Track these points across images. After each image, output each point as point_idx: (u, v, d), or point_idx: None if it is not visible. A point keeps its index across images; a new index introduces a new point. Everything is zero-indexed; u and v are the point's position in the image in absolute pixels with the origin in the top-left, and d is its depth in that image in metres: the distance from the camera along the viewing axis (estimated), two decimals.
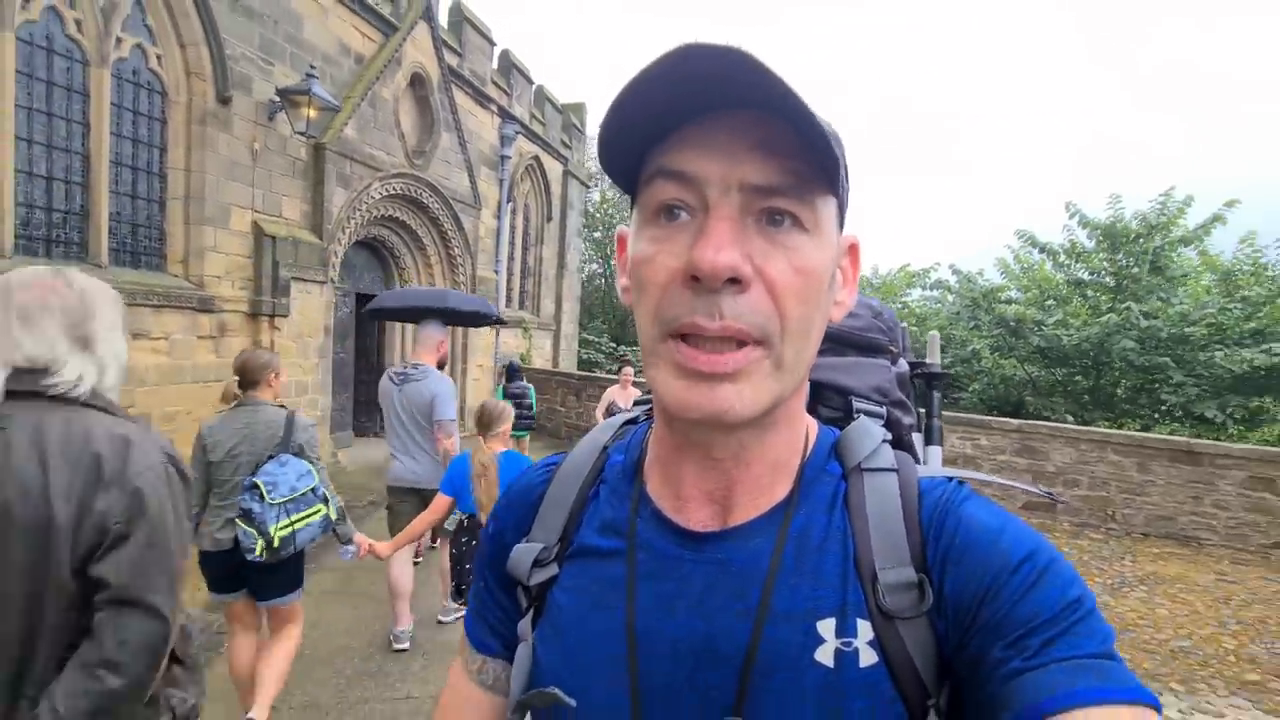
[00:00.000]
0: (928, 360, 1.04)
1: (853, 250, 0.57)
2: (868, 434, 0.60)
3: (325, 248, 7.40)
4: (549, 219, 13.88)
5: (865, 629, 0.51)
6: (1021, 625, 0.46)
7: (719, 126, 0.47)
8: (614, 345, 18.38)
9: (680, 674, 0.53)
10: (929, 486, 0.56)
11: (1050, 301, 11.66)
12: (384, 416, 3.97)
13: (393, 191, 8.64)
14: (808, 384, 0.58)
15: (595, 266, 20.75)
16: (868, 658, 0.50)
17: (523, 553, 0.63)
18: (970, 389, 12.76)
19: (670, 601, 0.55)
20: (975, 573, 0.50)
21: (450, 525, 3.35)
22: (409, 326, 8.84)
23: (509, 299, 12.23)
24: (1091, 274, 11.00)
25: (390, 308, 4.80)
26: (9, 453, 1.09)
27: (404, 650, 3.66)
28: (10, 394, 1.13)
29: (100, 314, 1.24)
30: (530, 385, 7.64)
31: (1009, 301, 11.68)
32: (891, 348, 0.82)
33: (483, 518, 3.08)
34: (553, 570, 0.61)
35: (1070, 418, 9.61)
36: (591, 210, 19.95)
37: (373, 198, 8.26)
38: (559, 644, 0.59)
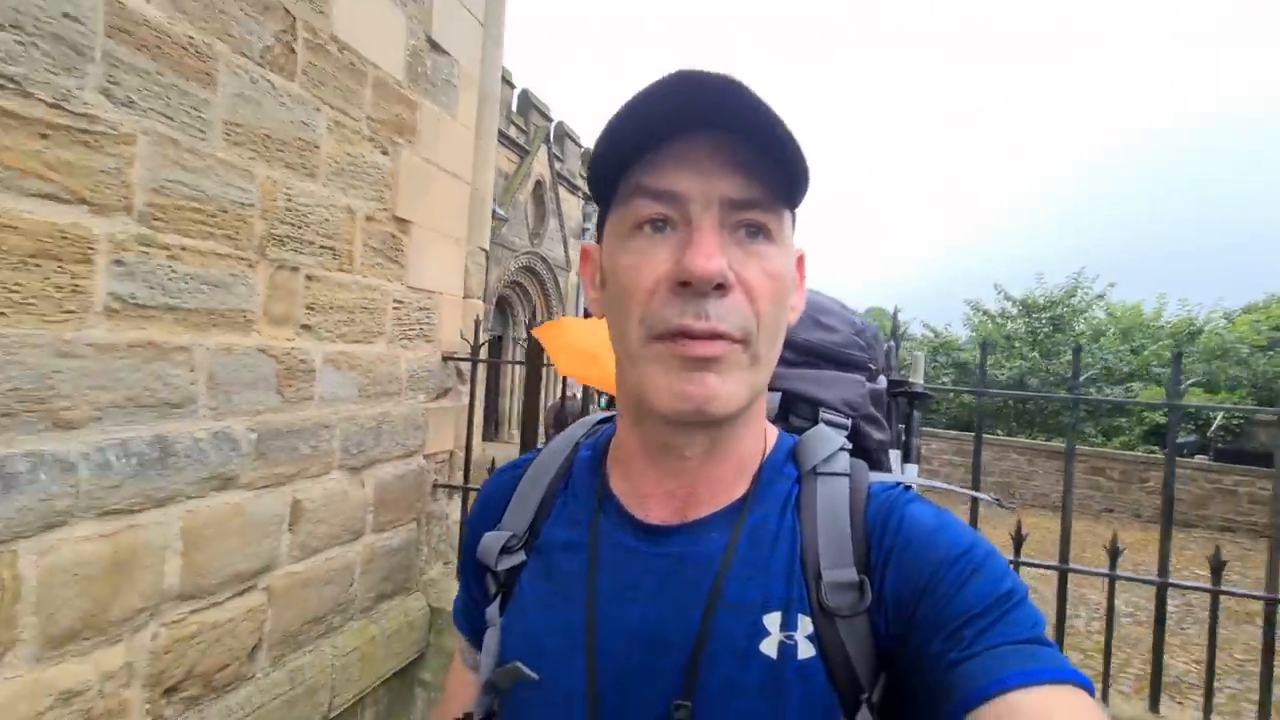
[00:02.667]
0: (911, 380, 1.05)
1: (800, 260, 0.60)
2: (824, 440, 0.61)
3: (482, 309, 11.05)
4: None
5: (805, 624, 0.52)
6: (958, 618, 0.48)
7: (697, 147, 0.50)
8: None
9: (634, 660, 0.54)
10: (878, 490, 0.58)
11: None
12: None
13: (520, 264, 12.24)
14: (767, 388, 0.60)
15: None
16: (805, 651, 0.52)
17: (491, 540, 0.64)
18: (941, 410, 16.48)
19: (629, 592, 0.56)
20: (914, 568, 0.51)
21: None
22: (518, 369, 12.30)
23: None
24: (1012, 333, 14.89)
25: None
26: None
27: None
28: None
29: None
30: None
31: (960, 349, 15.54)
32: (870, 364, 0.83)
33: None
34: (520, 558, 0.63)
35: (1000, 432, 13.23)
36: None
37: (509, 269, 11.83)
38: (523, 629, 0.60)
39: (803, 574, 0.54)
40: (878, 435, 0.79)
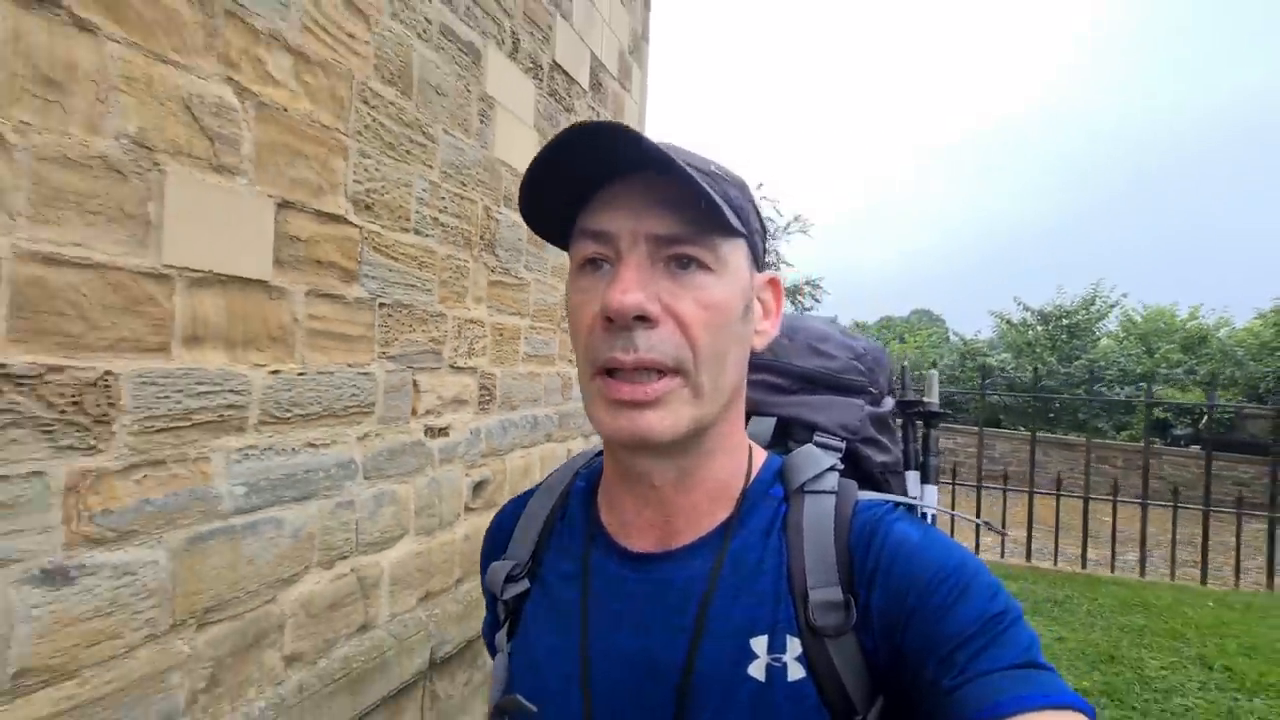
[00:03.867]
0: (925, 399, 1.03)
1: (773, 285, 0.61)
2: (811, 459, 0.61)
3: None
4: None
5: (794, 645, 0.52)
6: (949, 641, 0.47)
7: (626, 188, 0.52)
8: None
9: (627, 688, 0.55)
10: (864, 508, 0.57)
11: (1011, 354, 17.12)
12: None
13: None
14: (742, 412, 0.61)
15: None
16: (795, 672, 0.52)
17: (497, 569, 0.66)
18: (970, 409, 18.06)
19: (618, 620, 0.57)
20: (900, 588, 0.51)
21: None
22: None
23: None
24: (1033, 339, 16.44)
25: None
26: None
27: None
28: None
29: None
30: None
31: (985, 354, 17.11)
32: (871, 388, 0.83)
33: None
34: (524, 585, 0.64)
35: (1022, 428, 14.75)
36: None
37: None
38: (528, 657, 0.62)
39: (790, 594, 0.54)
40: (880, 458, 0.80)
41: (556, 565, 0.64)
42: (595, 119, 0.51)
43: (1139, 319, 17.37)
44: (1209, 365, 14.01)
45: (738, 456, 0.60)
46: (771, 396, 0.78)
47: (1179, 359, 14.70)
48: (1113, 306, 16.24)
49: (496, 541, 0.70)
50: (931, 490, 0.99)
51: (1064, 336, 15.89)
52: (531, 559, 0.66)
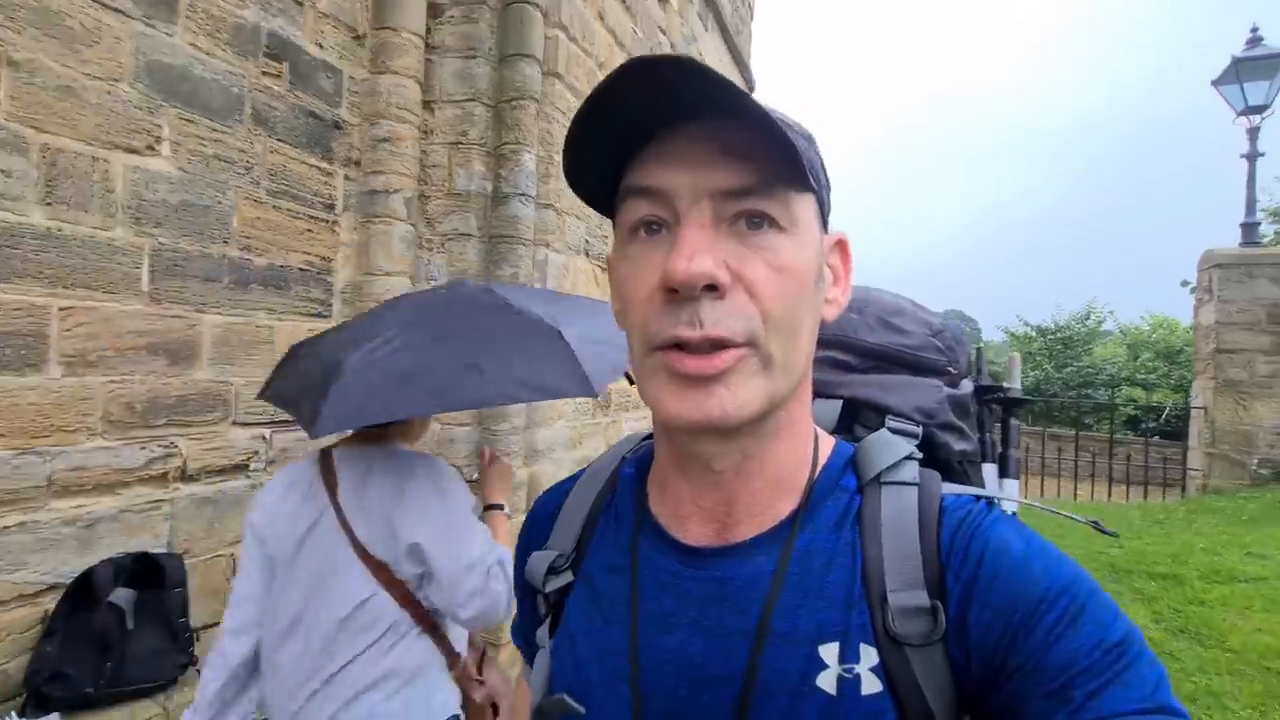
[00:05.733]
0: (1005, 385, 0.95)
1: (841, 247, 0.56)
2: (888, 446, 0.56)
3: None
4: None
5: (870, 654, 0.47)
6: (1061, 672, 0.42)
7: (681, 138, 0.47)
8: None
9: (681, 694, 0.51)
10: (953, 504, 0.52)
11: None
12: None
13: None
14: (809, 392, 0.56)
15: None
16: (870, 685, 0.47)
17: (538, 560, 0.63)
18: None
19: (670, 620, 0.53)
20: (1005, 606, 0.46)
21: None
22: None
23: None
24: (1035, 350, 19.63)
25: None
26: None
27: None
28: None
29: None
30: None
31: (994, 362, 20.51)
32: (950, 368, 0.77)
33: None
34: (568, 578, 0.61)
35: (1024, 424, 17.97)
36: None
37: None
38: (572, 654, 0.58)
39: (865, 598, 0.49)
40: (959, 445, 0.74)
41: (602, 557, 0.60)
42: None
43: (1145, 327, 20.47)
44: (1182, 371, 17.13)
45: (804, 442, 0.56)
46: (837, 376, 0.73)
47: (1154, 365, 17.82)
48: (1101, 322, 19.34)
49: (537, 531, 0.67)
50: (1012, 485, 0.92)
51: (1059, 347, 19.01)
52: (575, 550, 0.62)
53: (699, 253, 0.45)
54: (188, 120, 2.51)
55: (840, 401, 0.71)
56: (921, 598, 0.48)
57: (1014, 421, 0.96)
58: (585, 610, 0.59)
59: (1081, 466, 9.19)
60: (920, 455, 0.57)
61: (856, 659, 0.48)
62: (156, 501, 2.49)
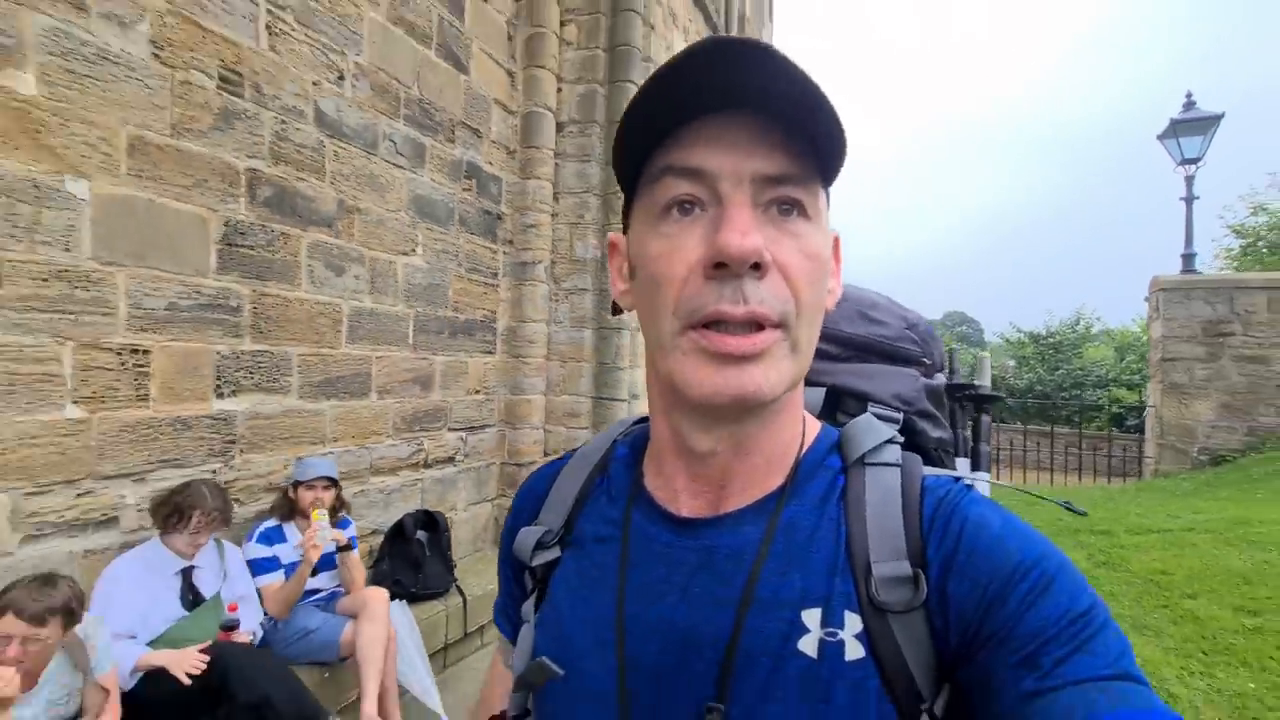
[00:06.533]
0: (976, 381, 0.98)
1: (836, 243, 0.57)
2: (871, 429, 0.58)
3: None
4: None
5: (854, 621, 0.49)
6: (1030, 639, 0.43)
7: (725, 123, 0.47)
8: None
9: (667, 659, 0.52)
10: (934, 484, 0.54)
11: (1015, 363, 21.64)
12: None
13: None
14: (809, 384, 0.56)
15: None
16: (854, 651, 0.48)
17: (526, 535, 0.64)
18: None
19: (658, 587, 0.54)
20: (979, 578, 0.47)
21: None
22: None
23: None
24: (1028, 355, 20.92)
25: None
26: None
27: None
28: None
29: None
30: None
31: (993, 366, 21.76)
32: (925, 359, 0.80)
33: None
34: (555, 553, 0.62)
35: (1019, 422, 19.17)
36: None
37: None
38: (557, 625, 0.59)
39: (849, 568, 0.50)
40: (936, 433, 0.77)
41: (593, 530, 0.61)
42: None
43: (1137, 329, 21.72)
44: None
45: (795, 423, 0.57)
46: (821, 364, 0.74)
47: (1139, 366, 19.14)
48: (1090, 328, 20.65)
49: (526, 507, 0.68)
50: (983, 478, 0.91)
51: (1050, 352, 20.31)
52: (564, 527, 0.63)
53: (751, 231, 0.45)
54: (429, 229, 3.82)
55: (824, 389, 0.73)
56: (904, 568, 0.49)
57: (985, 418, 1.00)
58: (572, 582, 0.60)
59: (1057, 459, 10.42)
60: (901, 439, 0.58)
61: (841, 625, 0.48)
62: (415, 480, 3.79)
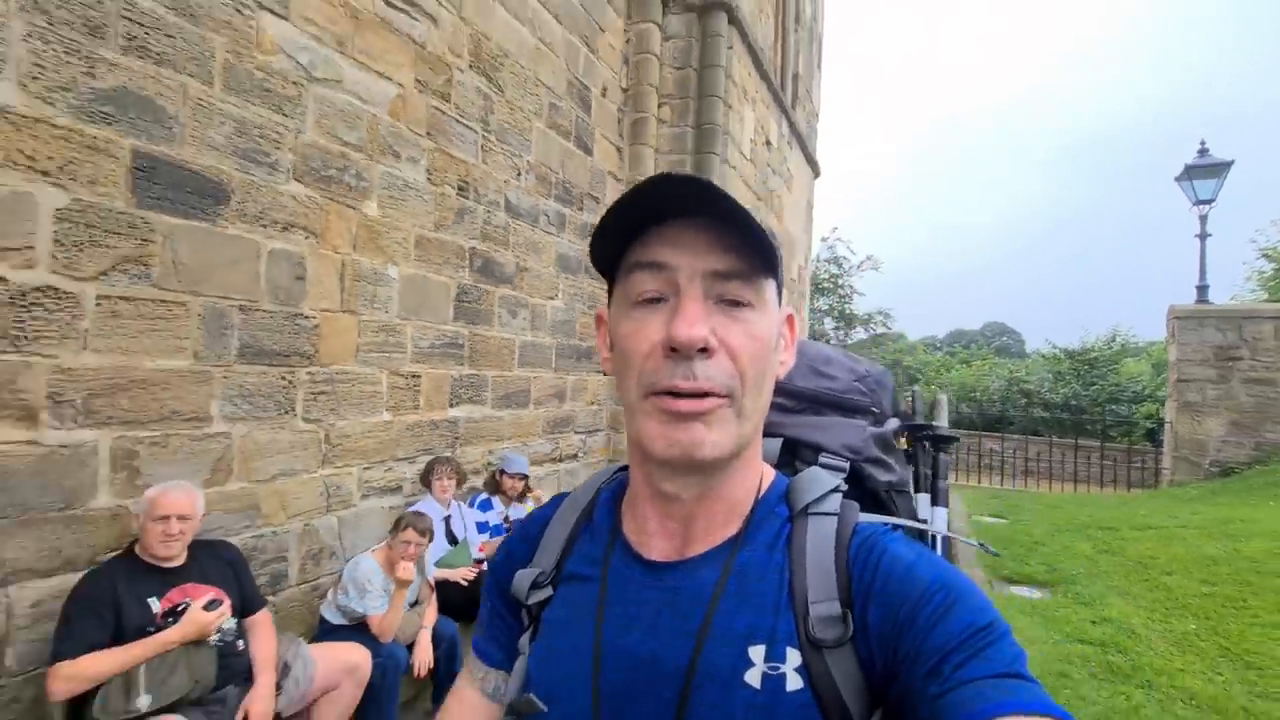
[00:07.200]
0: (935, 422, 1.05)
1: (789, 320, 0.65)
2: (815, 481, 0.64)
3: None
4: None
5: (794, 656, 0.54)
6: (936, 652, 0.49)
7: (684, 229, 0.56)
8: None
9: (635, 686, 0.58)
10: (863, 528, 0.60)
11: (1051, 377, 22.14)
12: None
13: None
14: (761, 433, 0.63)
15: None
16: (794, 683, 0.53)
17: (523, 577, 0.69)
18: (1015, 422, 22.97)
19: (630, 622, 0.60)
20: (894, 603, 0.53)
21: None
22: None
23: None
24: (1064, 371, 21.40)
25: None
26: None
27: None
28: None
29: None
30: None
31: (1026, 381, 22.12)
32: (873, 409, 0.86)
33: None
34: (548, 592, 0.67)
35: (1054, 435, 19.67)
36: None
37: None
38: (547, 656, 0.65)
39: (790, 608, 0.56)
40: (884, 477, 0.84)
41: (577, 572, 0.67)
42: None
43: (1151, 352, 22.03)
44: None
45: (754, 474, 0.64)
46: (778, 417, 0.81)
47: None
48: (1125, 345, 21.04)
49: (520, 551, 0.73)
50: (941, 513, 0.99)
51: (1085, 368, 20.78)
52: (556, 568, 0.68)
53: (698, 322, 0.53)
54: (566, 278, 4.97)
55: (781, 440, 0.81)
56: (835, 608, 0.55)
57: (943, 456, 1.06)
58: (560, 618, 0.65)
59: (1081, 470, 11.14)
60: (845, 488, 0.65)
61: (783, 659, 0.54)
62: (554, 470, 4.94)
